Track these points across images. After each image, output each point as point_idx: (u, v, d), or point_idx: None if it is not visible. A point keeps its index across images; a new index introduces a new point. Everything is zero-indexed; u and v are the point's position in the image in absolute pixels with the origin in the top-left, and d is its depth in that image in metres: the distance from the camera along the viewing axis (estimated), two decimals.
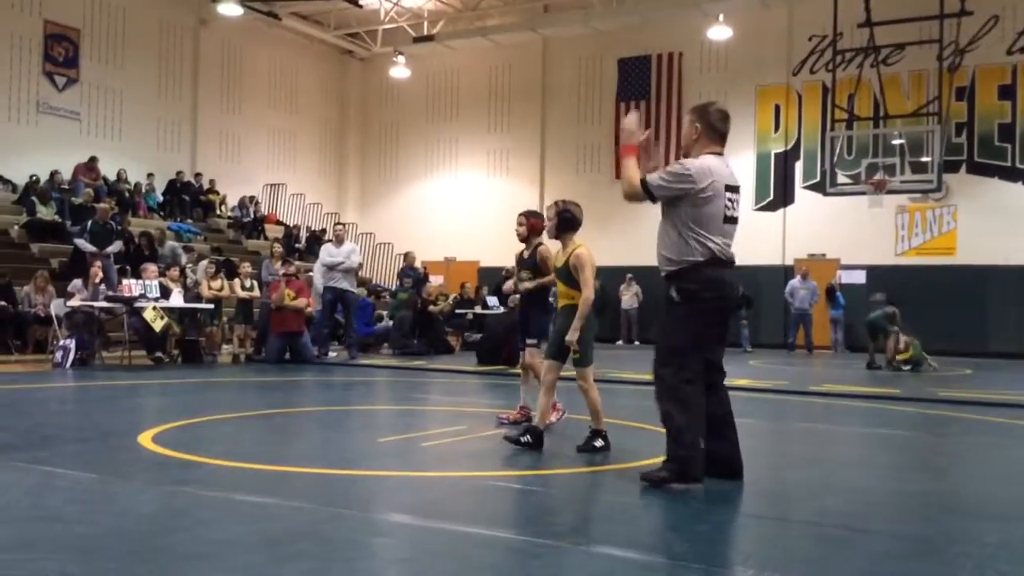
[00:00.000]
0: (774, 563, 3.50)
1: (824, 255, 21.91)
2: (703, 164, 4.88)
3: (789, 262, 22.16)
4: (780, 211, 22.49)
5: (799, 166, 22.41)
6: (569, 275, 6.00)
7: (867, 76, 19.32)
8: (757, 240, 22.29)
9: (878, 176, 18.52)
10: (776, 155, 22.66)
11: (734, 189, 4.99)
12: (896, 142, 19.53)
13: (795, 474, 5.68)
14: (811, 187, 22.04)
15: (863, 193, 18.97)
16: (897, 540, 3.97)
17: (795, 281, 20.37)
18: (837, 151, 19.11)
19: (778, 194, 22.54)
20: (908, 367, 14.77)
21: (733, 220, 4.98)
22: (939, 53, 18.00)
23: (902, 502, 4.87)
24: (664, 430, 4.95)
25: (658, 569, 3.42)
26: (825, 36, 20.84)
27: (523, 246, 7.16)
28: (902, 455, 6.71)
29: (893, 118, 19.83)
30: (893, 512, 4.58)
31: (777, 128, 22.73)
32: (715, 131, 5.03)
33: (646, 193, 4.95)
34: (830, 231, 21.71)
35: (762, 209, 22.62)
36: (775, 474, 5.68)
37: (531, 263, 7.07)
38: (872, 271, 21.15)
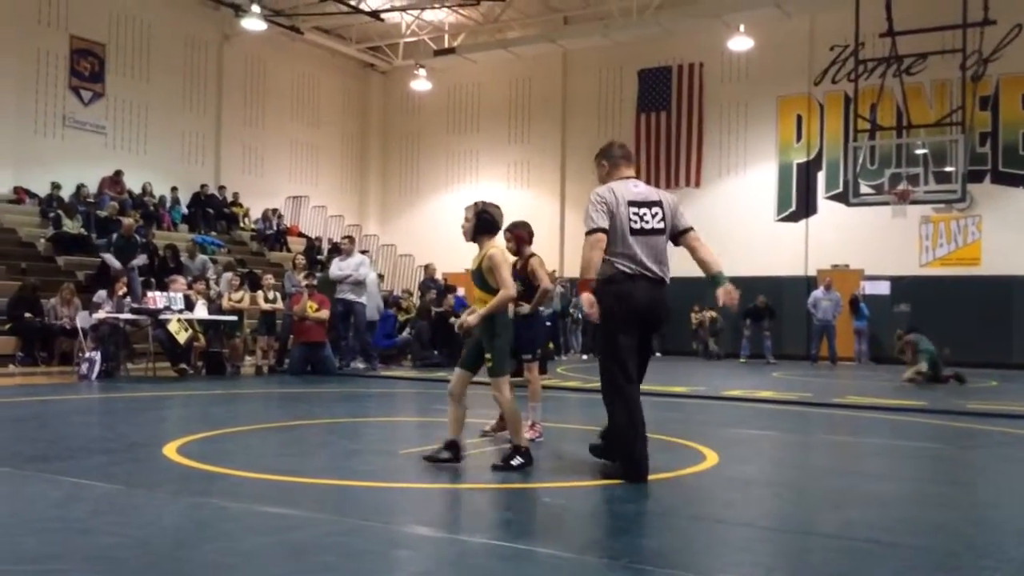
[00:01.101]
0: None
1: (847, 266, 21.76)
2: (606, 188, 5.51)
3: (812, 273, 22.02)
4: (803, 222, 22.37)
5: (821, 176, 22.30)
6: (483, 279, 5.80)
7: (890, 86, 19.21)
8: (779, 251, 22.22)
9: (902, 186, 18.38)
10: (798, 165, 22.57)
11: (645, 204, 5.48)
12: (920, 152, 19.39)
13: (819, 487, 5.64)
14: (834, 197, 21.92)
15: (887, 203, 18.83)
16: (923, 553, 3.93)
17: (818, 292, 20.24)
18: (860, 161, 18.98)
19: (800, 204, 22.42)
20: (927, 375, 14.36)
21: (643, 232, 5.43)
22: (962, 62, 17.87)
23: (928, 515, 4.82)
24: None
25: None
26: (847, 46, 20.76)
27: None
28: (928, 468, 6.65)
29: (916, 128, 19.69)
30: (919, 525, 4.53)
31: (799, 138, 22.63)
32: (619, 157, 5.68)
33: (595, 231, 5.38)
34: (853, 242, 21.57)
35: (784, 220, 22.53)
36: (799, 487, 5.64)
37: (522, 275, 7.08)
38: (896, 282, 21.00)
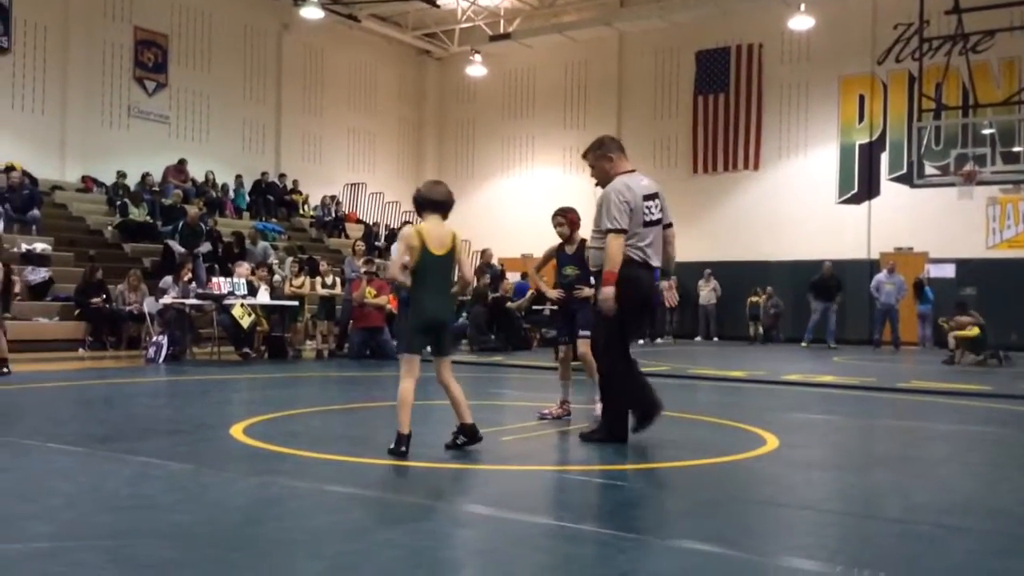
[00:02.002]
0: (863, 560, 3.45)
1: (911, 249, 21.34)
2: (624, 185, 5.86)
3: (875, 256, 21.63)
4: (865, 204, 21.97)
5: (885, 157, 21.86)
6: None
7: (955, 64, 18.73)
8: (842, 233, 21.87)
9: (968, 167, 17.93)
10: (861, 146, 22.15)
11: (651, 197, 5.90)
12: (986, 131, 18.89)
13: (883, 471, 5.57)
14: (897, 179, 21.49)
15: (952, 185, 18.38)
16: (989, 537, 3.87)
17: (881, 275, 19.84)
18: (924, 142, 18.56)
19: (863, 186, 22.02)
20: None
21: (651, 224, 5.87)
22: None
23: (994, 499, 4.74)
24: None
25: (742, 564, 3.40)
26: (911, 24, 20.27)
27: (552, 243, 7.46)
28: (993, 452, 6.52)
29: (983, 107, 19.19)
30: (984, 509, 4.46)
31: (862, 119, 22.20)
32: (619, 150, 6.10)
33: (621, 232, 5.73)
34: (917, 224, 21.13)
35: (846, 202, 22.15)
36: (863, 471, 5.58)
37: (578, 258, 7.17)
38: (962, 265, 20.53)
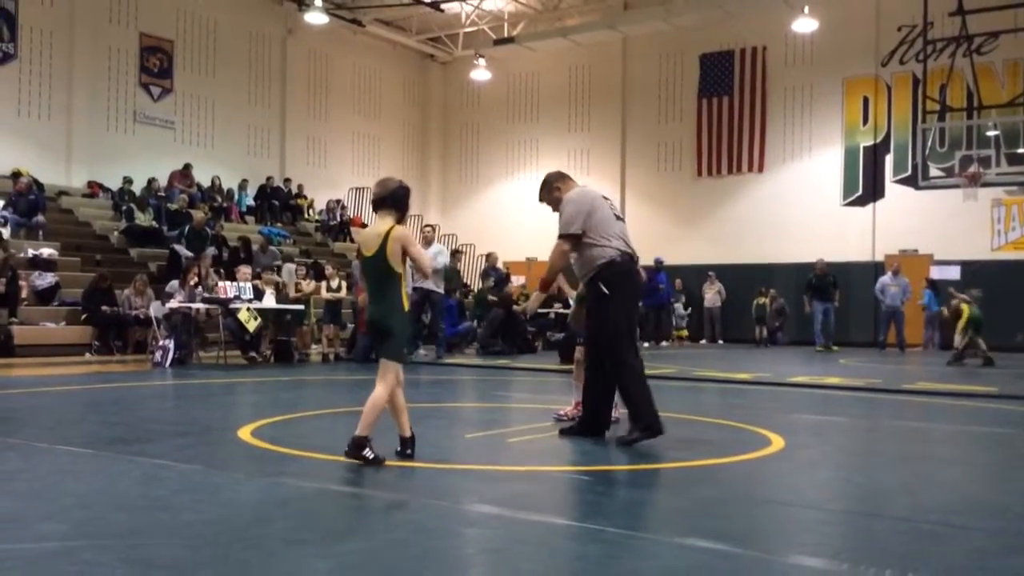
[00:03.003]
0: (869, 557, 3.47)
1: (916, 251, 21.33)
2: (576, 192, 6.27)
3: (879, 258, 21.62)
4: (870, 206, 21.97)
5: (889, 159, 21.86)
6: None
7: (959, 66, 18.76)
8: (846, 236, 21.86)
9: (972, 168, 17.97)
10: (865, 148, 22.15)
11: (606, 198, 6.33)
12: (991, 133, 18.91)
13: (888, 471, 5.58)
14: (902, 181, 21.49)
15: (957, 186, 18.41)
16: (994, 536, 3.89)
17: (886, 278, 19.84)
18: (929, 143, 18.60)
19: (867, 188, 22.02)
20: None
21: (620, 218, 6.27)
22: None
23: (1000, 498, 4.75)
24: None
25: (747, 562, 3.42)
26: (915, 26, 20.32)
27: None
28: (999, 452, 6.53)
29: (987, 108, 19.20)
30: (990, 508, 4.47)
31: (866, 121, 22.20)
32: (566, 177, 6.46)
33: (570, 238, 6.08)
34: (922, 226, 21.12)
35: (851, 204, 22.15)
36: (867, 471, 5.59)
37: None
38: (967, 266, 20.51)
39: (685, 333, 23.06)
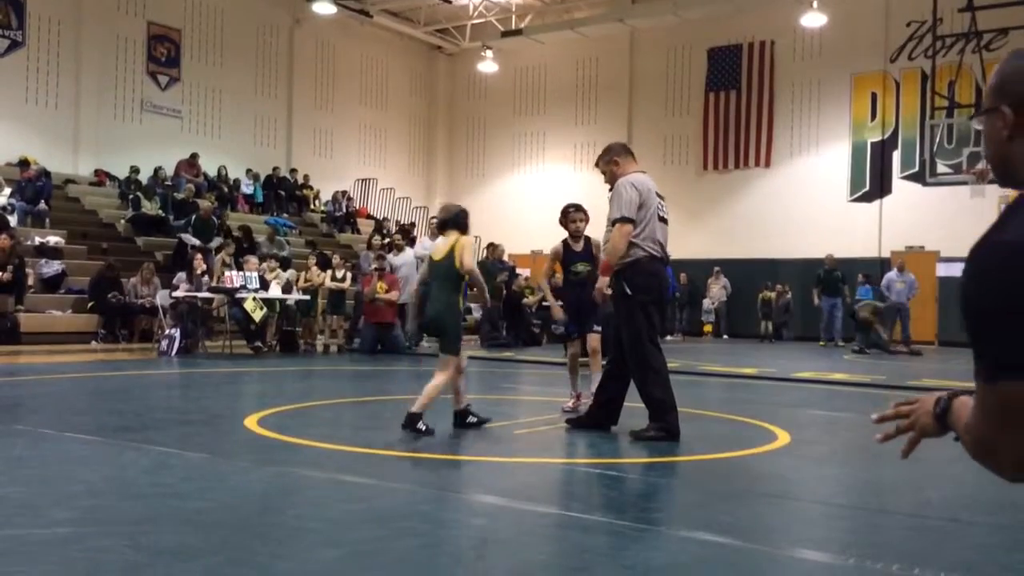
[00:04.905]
0: (875, 553, 3.47)
1: (923, 247, 21.27)
2: (636, 179, 6.14)
3: (886, 255, 21.57)
4: (876, 202, 21.91)
5: (897, 155, 21.79)
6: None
7: (968, 62, 18.66)
8: (852, 232, 21.81)
9: (980, 165, 17.84)
10: (872, 144, 22.09)
11: (660, 196, 6.23)
12: None
13: (895, 467, 5.56)
14: (909, 177, 21.41)
15: (964, 183, 18.32)
16: (1000, 531, 3.90)
17: (892, 274, 19.75)
18: (937, 140, 18.50)
19: (874, 185, 21.96)
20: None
21: (664, 220, 6.17)
22: None
23: (1006, 494, 4.73)
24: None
25: (754, 556, 3.43)
26: (924, 21, 20.21)
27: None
28: None
29: None
30: (996, 504, 4.47)
31: (874, 117, 22.14)
32: (628, 153, 6.38)
33: (629, 221, 5.99)
34: (929, 222, 21.05)
35: (857, 200, 22.09)
36: (875, 467, 5.59)
37: (587, 254, 7.41)
38: None
39: (710, 328, 23.00)
